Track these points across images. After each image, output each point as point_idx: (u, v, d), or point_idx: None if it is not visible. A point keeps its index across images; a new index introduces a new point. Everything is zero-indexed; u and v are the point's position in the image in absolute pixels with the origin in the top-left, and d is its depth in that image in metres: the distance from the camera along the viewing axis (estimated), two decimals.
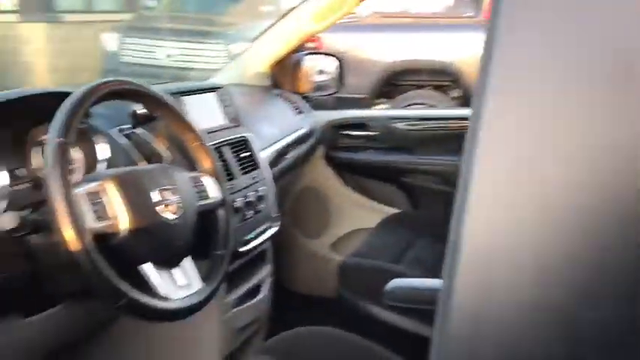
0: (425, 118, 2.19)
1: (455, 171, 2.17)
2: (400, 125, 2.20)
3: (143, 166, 1.25)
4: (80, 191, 0.94)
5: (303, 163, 2.17)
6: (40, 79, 7.00)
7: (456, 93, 5.41)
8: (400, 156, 2.20)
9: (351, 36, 5.28)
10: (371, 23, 5.62)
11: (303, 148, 2.04)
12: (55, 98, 1.18)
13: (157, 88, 1.19)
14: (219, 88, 1.62)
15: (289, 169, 1.96)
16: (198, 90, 1.55)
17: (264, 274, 1.66)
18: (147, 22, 7.20)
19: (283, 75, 2.24)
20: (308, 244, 2.31)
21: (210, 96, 1.59)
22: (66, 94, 1.01)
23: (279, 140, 1.86)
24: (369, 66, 5.31)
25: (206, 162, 1.21)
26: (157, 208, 1.02)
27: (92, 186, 0.97)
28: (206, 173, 1.20)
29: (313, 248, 2.30)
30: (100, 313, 1.32)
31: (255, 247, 1.50)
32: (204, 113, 1.52)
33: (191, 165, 1.34)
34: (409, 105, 5.35)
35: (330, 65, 2.44)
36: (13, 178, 1.13)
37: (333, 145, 2.26)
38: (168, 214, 1.04)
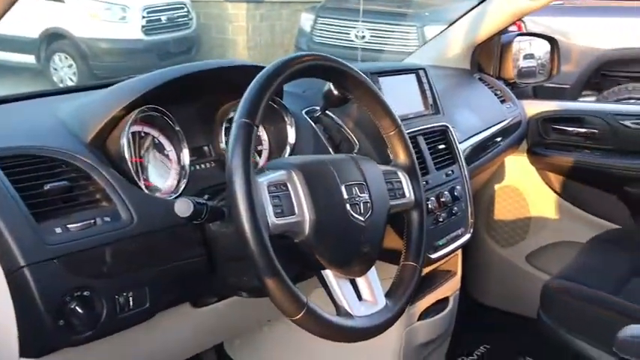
0: None
1: None
2: (628, 123, 1.82)
3: (330, 155, 1.11)
4: (263, 180, 0.82)
5: (503, 158, 1.90)
6: (240, 54, 7.40)
7: None
8: (625, 160, 1.82)
9: (558, 20, 4.74)
10: (583, 5, 5.01)
11: (505, 142, 1.78)
12: (248, 72, 1.08)
13: (361, 69, 1.04)
14: (419, 69, 1.43)
15: (487, 165, 1.72)
16: (395, 71, 1.37)
17: (452, 285, 1.45)
18: (341, 2, 7.22)
19: (486, 58, 1.99)
20: (501, 252, 2.04)
21: (409, 78, 1.41)
22: (260, 69, 0.91)
23: (480, 132, 1.63)
24: (578, 53, 4.74)
25: (403, 155, 1.03)
26: (347, 207, 0.87)
27: (277, 175, 0.84)
28: (401, 168, 1.03)
29: (506, 257, 2.03)
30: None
31: (445, 255, 1.31)
32: (400, 97, 1.34)
33: (383, 157, 1.18)
34: (620, 100, 4.69)
35: (541, 49, 2.13)
36: (199, 155, 1.05)
37: (540, 140, 1.95)
38: (358, 214, 0.88)
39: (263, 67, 1.05)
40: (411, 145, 1.04)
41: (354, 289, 0.89)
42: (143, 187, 0.92)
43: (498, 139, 1.74)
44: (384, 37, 6.32)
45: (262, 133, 1.15)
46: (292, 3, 8.31)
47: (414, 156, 1.04)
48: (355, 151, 1.21)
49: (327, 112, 1.21)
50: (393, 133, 1.02)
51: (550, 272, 1.89)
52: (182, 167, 1.00)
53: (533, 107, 1.95)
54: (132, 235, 0.83)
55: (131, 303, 0.83)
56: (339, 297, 0.86)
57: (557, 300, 1.43)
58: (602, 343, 1.28)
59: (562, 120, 1.93)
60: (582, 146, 1.90)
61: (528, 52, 2.14)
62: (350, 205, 0.88)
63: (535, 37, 2.15)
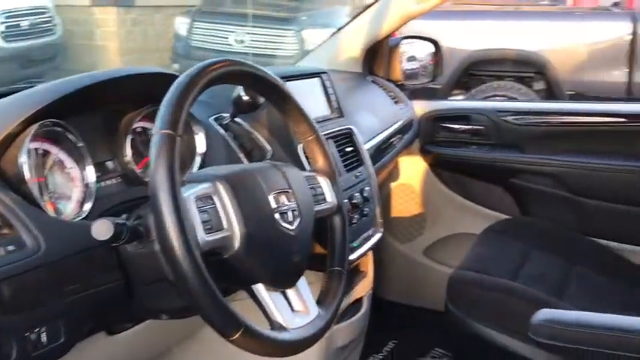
0: (539, 112, 1.94)
1: (573, 173, 1.94)
2: (509, 119, 1.95)
3: (254, 163, 1.07)
4: (190, 195, 0.77)
5: (399, 157, 1.96)
6: (111, 60, 7.04)
7: (539, 85, 5.06)
8: (509, 154, 1.95)
9: (429, 23, 5.00)
10: (450, 10, 5.32)
11: (401, 141, 1.83)
12: (150, 80, 1.02)
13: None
14: (322, 73, 1.43)
15: (388, 164, 1.76)
16: (301, 75, 1.36)
17: (365, 285, 1.47)
18: (218, 6, 7.11)
19: (377, 61, 2.04)
20: (400, 248, 2.10)
21: (313, 82, 1.40)
22: (166, 75, 0.85)
23: (379, 133, 1.66)
24: (447, 55, 5.02)
25: (322, 159, 1.02)
26: (276, 216, 0.84)
27: (201, 188, 0.79)
28: (321, 173, 1.02)
29: (406, 252, 2.09)
30: (185, 327, 1.17)
31: (361, 256, 1.31)
32: (308, 101, 1.32)
33: (296, 162, 1.16)
34: (487, 97, 5.05)
35: (422, 51, 2.22)
36: (103, 172, 0.97)
37: (432, 138, 2.03)
38: (287, 223, 0.86)
39: (170, 74, 1.00)
40: (328, 150, 1.03)
41: (286, 302, 0.86)
42: (48, 209, 0.83)
43: (395, 138, 1.79)
44: (264, 42, 6.31)
45: None
46: (165, 7, 8.05)
47: (332, 160, 1.03)
48: (268, 157, 1.18)
49: (236, 119, 1.17)
50: (311, 138, 1.01)
51: (447, 264, 1.98)
52: (86, 186, 0.92)
53: (425, 107, 2.03)
54: (40, 264, 0.75)
55: (44, 339, 0.74)
56: (273, 311, 0.83)
57: (463, 291, 1.49)
58: (509, 329, 1.35)
59: (450, 118, 2.03)
60: (470, 142, 2.01)
61: (411, 54, 2.22)
62: (279, 214, 0.85)
63: (419, 40, 2.24)
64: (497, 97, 4.97)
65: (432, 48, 2.17)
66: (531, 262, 1.62)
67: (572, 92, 4.83)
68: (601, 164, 1.83)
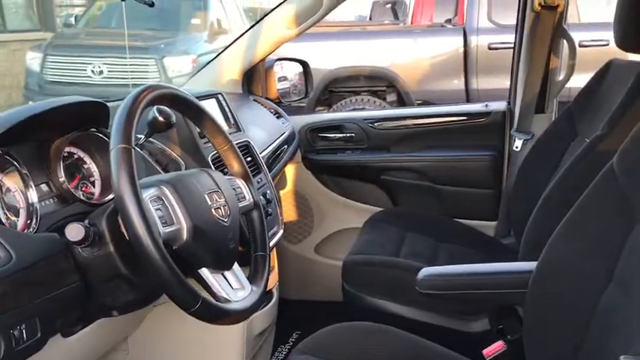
0: (397, 117, 2.27)
1: (431, 166, 2.28)
2: (376, 125, 2.26)
3: (188, 170, 1.23)
4: (146, 196, 0.92)
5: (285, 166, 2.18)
6: None
7: (392, 97, 5.56)
8: (378, 155, 2.25)
9: (294, 45, 5.30)
10: (308, 32, 5.66)
11: (287, 152, 2.05)
12: (74, 109, 1.14)
13: None
14: (218, 94, 1.61)
15: (279, 173, 1.97)
16: (202, 96, 1.53)
17: (273, 278, 1.65)
18: (70, 39, 6.93)
19: (255, 82, 2.24)
20: (293, 249, 2.31)
21: (211, 102, 1.58)
22: (83, 104, 0.98)
23: (270, 144, 1.87)
24: None
25: (237, 165, 1.20)
26: (213, 212, 1.01)
27: (152, 191, 0.95)
28: (238, 176, 1.20)
29: (298, 253, 2.31)
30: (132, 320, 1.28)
31: (271, 249, 1.50)
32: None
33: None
34: (348, 112, 5.43)
35: (292, 71, 2.46)
36: (41, 193, 1.08)
37: (311, 148, 2.28)
38: (221, 217, 1.03)
39: (92, 102, 1.13)
40: (242, 156, 1.21)
41: (226, 282, 1.03)
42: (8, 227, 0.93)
43: (281, 149, 2.00)
44: (124, 72, 6.26)
45: (91, 165, 1.21)
46: (8, 42, 7.67)
47: (246, 165, 1.22)
48: (184, 168, 1.33)
49: (150, 138, 1.31)
50: (226, 147, 1.19)
51: (337, 257, 2.22)
52: (31, 206, 1.02)
53: (302, 120, 2.28)
54: (15, 270, 0.86)
55: (25, 335, 0.85)
56: (218, 289, 0.99)
57: (356, 272, 1.73)
58: (398, 297, 1.61)
59: (326, 129, 2.29)
60: (344, 148, 2.29)
61: (282, 75, 2.45)
62: (214, 209, 1.02)
63: (290, 62, 2.49)
64: (357, 110, 5.38)
65: (301, 68, 2.42)
66: (407, 242, 1.90)
67: (420, 101, 5.37)
68: (451, 156, 2.19)
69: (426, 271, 1.28)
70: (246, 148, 1.59)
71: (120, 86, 6.11)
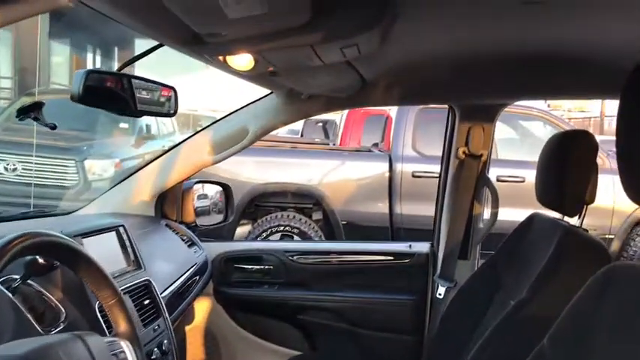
0: (325, 252, 2.15)
1: (354, 308, 2.15)
2: (297, 258, 2.13)
3: (54, 336, 1.03)
4: None
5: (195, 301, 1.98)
6: None
7: (318, 215, 5.51)
8: (295, 292, 2.10)
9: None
10: None
11: (197, 285, 1.87)
12: None
13: (56, 230, 1.01)
14: (119, 226, 1.45)
15: (185, 310, 1.78)
16: (97, 230, 1.36)
17: None
18: None
19: (168, 204, 2.09)
20: None
21: (110, 236, 1.41)
22: None
23: (177, 279, 1.69)
24: (234, 187, 5.25)
25: (124, 323, 1.02)
26: None
27: None
28: (123, 336, 1.02)
29: None
30: None
31: None
32: (104, 256, 1.32)
33: (93, 322, 1.14)
34: (273, 227, 5.33)
35: (213, 189, 2.34)
36: None
37: (224, 280, 2.11)
38: None
39: None
40: (130, 312, 1.04)
41: None
42: None
43: (192, 282, 1.82)
44: (40, 171, 5.96)
45: None
46: None
47: (134, 322, 1.04)
48: (62, 319, 1.14)
49: (27, 280, 1.12)
50: (113, 302, 1.01)
51: None
52: None
53: (217, 248, 2.12)
54: None
55: None
56: None
57: None
58: None
59: (242, 259, 2.13)
60: (261, 282, 2.12)
61: (202, 192, 2.33)
62: None
63: (211, 184, 2.37)
64: (282, 226, 5.27)
65: (220, 190, 2.30)
66: None
67: (345, 222, 5.34)
68: (371, 297, 2.07)
69: None
70: (146, 289, 1.42)
71: (37, 186, 5.78)
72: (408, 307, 2.05)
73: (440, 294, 1.91)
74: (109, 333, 1.18)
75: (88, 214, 1.90)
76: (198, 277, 1.89)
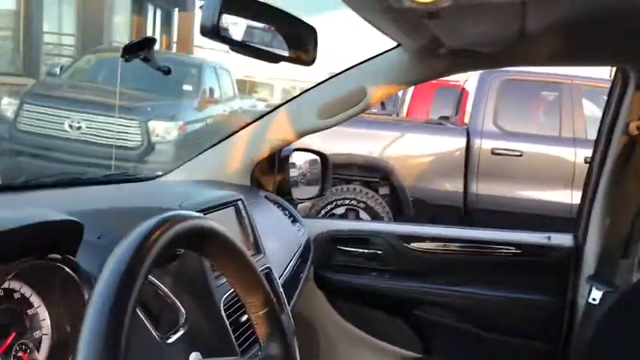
0: (444, 239, 1.83)
1: (480, 306, 1.84)
2: (412, 244, 1.82)
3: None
4: None
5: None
6: None
7: (384, 190, 5.21)
8: (409, 283, 1.80)
9: None
10: None
11: (305, 270, 1.60)
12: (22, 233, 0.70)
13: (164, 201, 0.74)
14: (237, 200, 1.17)
15: (297, 300, 1.51)
16: (218, 205, 1.09)
17: None
18: (51, 89, 6.48)
19: (265, 173, 1.82)
20: None
21: (229, 212, 1.14)
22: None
23: (289, 263, 1.43)
24: None
25: (275, 343, 0.74)
26: None
27: None
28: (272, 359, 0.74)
29: None
30: None
31: None
32: None
33: (215, 321, 0.87)
34: (338, 200, 5.06)
35: (302, 159, 2.05)
36: None
37: (325, 263, 1.82)
38: None
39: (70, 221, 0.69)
40: (288, 327, 0.76)
41: None
42: None
43: (302, 266, 1.56)
44: (103, 130, 5.82)
45: (42, 312, 0.75)
46: None
47: (290, 340, 0.76)
48: (182, 322, 0.87)
49: None
50: (263, 312, 0.73)
51: None
52: None
53: (318, 226, 1.84)
54: None
55: None
56: None
57: None
58: None
59: (347, 240, 1.84)
60: (368, 268, 1.83)
61: (291, 161, 2.05)
62: None
63: (307, 152, 2.08)
64: (347, 199, 5.00)
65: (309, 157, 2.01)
66: None
67: (412, 198, 5.04)
68: (502, 296, 1.75)
69: None
70: (267, 277, 1.14)
71: (97, 145, 5.66)
72: (544, 310, 1.73)
73: (594, 299, 1.57)
74: (241, 344, 0.91)
75: (180, 179, 1.65)
76: (302, 260, 1.62)
